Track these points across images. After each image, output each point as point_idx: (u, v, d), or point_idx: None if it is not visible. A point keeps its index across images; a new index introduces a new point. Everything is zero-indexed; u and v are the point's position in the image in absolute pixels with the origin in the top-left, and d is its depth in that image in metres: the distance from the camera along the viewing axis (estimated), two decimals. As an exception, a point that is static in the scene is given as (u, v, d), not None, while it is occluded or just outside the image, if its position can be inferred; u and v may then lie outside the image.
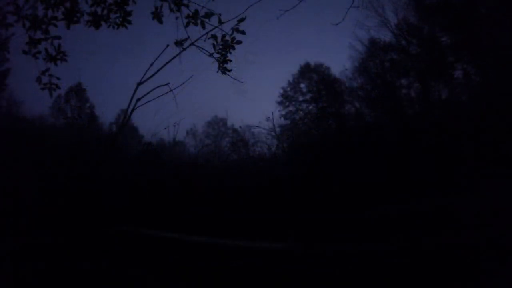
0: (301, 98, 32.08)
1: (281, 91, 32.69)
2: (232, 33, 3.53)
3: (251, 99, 58.94)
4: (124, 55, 62.89)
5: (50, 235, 10.78)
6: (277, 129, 29.58)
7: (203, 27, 3.50)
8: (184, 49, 3.68)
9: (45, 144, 24.61)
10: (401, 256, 5.70)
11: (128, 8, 3.58)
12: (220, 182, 24.13)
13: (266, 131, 29.73)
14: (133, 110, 4.02)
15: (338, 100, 30.05)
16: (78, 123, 33.39)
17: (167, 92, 3.91)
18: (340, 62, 70.51)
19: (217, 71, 3.72)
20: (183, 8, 3.49)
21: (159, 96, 3.97)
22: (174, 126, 28.20)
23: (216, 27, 3.51)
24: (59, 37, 3.43)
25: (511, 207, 10.20)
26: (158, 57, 3.89)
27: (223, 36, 3.56)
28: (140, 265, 7.29)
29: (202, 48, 3.64)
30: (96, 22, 3.54)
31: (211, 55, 3.65)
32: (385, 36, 26.99)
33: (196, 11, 3.47)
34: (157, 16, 3.56)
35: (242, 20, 3.46)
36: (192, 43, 3.64)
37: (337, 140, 26.71)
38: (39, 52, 3.43)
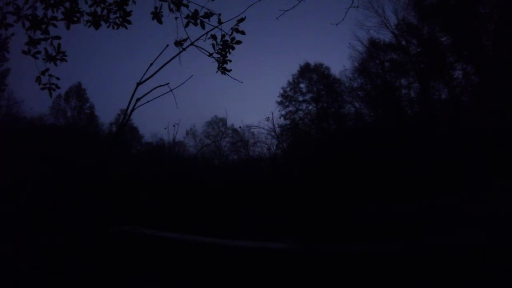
0: (301, 98, 32.16)
1: (281, 91, 32.81)
2: (231, 33, 3.53)
3: (251, 99, 59.12)
4: (124, 55, 63.06)
5: (50, 234, 10.77)
6: (277, 129, 29.67)
7: (203, 27, 3.49)
8: (184, 49, 3.68)
9: (45, 144, 24.63)
10: (401, 256, 5.70)
11: (128, 8, 3.59)
12: (219, 182, 24.14)
13: (266, 131, 29.83)
14: (133, 110, 4.01)
15: (338, 100, 30.08)
16: (78, 123, 33.52)
17: (167, 92, 3.89)
18: (340, 62, 70.68)
19: (217, 71, 3.73)
20: (183, 8, 3.50)
21: (159, 96, 3.95)
22: (174, 126, 28.36)
23: (215, 27, 3.51)
24: (59, 37, 3.43)
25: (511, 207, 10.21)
26: (158, 57, 3.87)
27: (223, 36, 3.56)
28: (139, 265, 7.29)
29: (202, 48, 3.64)
30: (96, 22, 3.55)
31: (210, 55, 3.65)
32: (385, 36, 27.10)
33: (196, 11, 3.47)
34: (157, 16, 3.56)
35: (241, 20, 3.45)
36: (192, 43, 3.64)
37: (337, 140, 26.72)
38: (39, 52, 3.43)
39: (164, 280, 6.56)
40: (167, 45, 3.78)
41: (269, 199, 19.94)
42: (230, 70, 3.70)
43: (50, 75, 3.52)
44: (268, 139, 29.80)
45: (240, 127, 33.87)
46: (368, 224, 13.51)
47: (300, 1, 3.92)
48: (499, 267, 5.21)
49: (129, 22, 3.62)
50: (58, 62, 3.51)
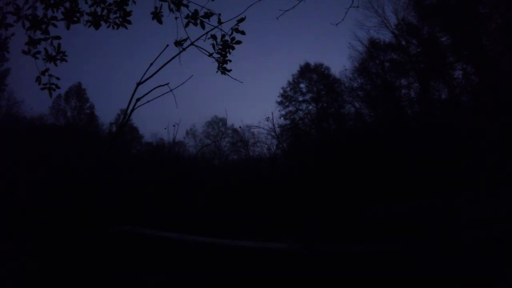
0: (301, 98, 32.12)
1: (281, 91, 32.78)
2: (231, 33, 3.53)
3: (251, 99, 59.17)
4: (124, 55, 63.12)
5: (50, 233, 10.78)
6: (277, 129, 29.67)
7: (203, 27, 3.49)
8: (184, 49, 3.68)
9: (45, 144, 24.62)
10: (401, 256, 5.70)
11: (128, 8, 3.58)
12: (219, 182, 24.13)
13: (266, 131, 29.84)
14: (133, 110, 4.00)
15: (338, 100, 30.06)
16: (78, 123, 33.50)
17: (167, 92, 3.89)
18: (340, 62, 70.68)
19: (217, 71, 3.72)
20: (183, 8, 3.49)
21: (159, 96, 3.95)
22: (174, 126, 28.42)
23: (215, 27, 3.51)
24: (59, 37, 3.43)
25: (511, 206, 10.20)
26: (158, 57, 3.87)
27: (223, 36, 3.56)
28: (140, 264, 7.29)
29: (202, 48, 3.64)
30: (95, 22, 3.55)
31: (210, 55, 3.65)
32: (385, 36, 27.08)
33: (196, 11, 3.47)
34: (157, 16, 3.56)
35: (241, 20, 3.45)
36: (192, 43, 3.64)
37: (337, 140, 26.71)
38: (39, 52, 3.43)
39: (165, 279, 6.55)
40: (167, 45, 3.78)
41: (269, 199, 19.93)
42: (230, 70, 3.70)
43: (50, 75, 3.53)
44: (268, 139, 29.83)
45: (240, 127, 33.85)
46: (368, 224, 13.51)
47: (300, 1, 3.92)
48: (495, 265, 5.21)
49: (129, 22, 3.62)
50: (58, 62, 3.51)
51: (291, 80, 32.74)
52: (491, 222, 9.18)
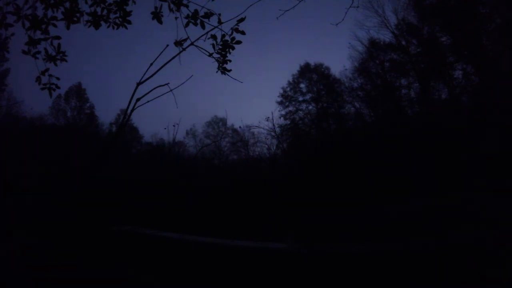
0: (301, 98, 32.13)
1: (281, 91, 32.79)
2: (231, 33, 3.53)
3: (251, 99, 59.19)
4: (124, 55, 63.13)
5: (50, 234, 10.79)
6: (277, 129, 29.67)
7: (203, 27, 3.49)
8: (184, 49, 3.68)
9: (45, 144, 24.62)
10: (401, 256, 5.69)
11: (128, 8, 3.59)
12: (219, 182, 24.13)
13: (266, 131, 29.84)
14: (133, 110, 4.01)
15: (338, 100, 30.05)
16: (78, 123, 33.51)
17: (167, 92, 3.90)
18: (340, 62, 70.64)
19: (217, 71, 3.72)
20: (183, 8, 3.50)
21: (159, 96, 3.95)
22: (174, 126, 28.42)
23: (215, 27, 3.51)
24: (58, 37, 3.43)
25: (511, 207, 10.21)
26: (158, 57, 3.87)
27: (223, 36, 3.56)
28: (140, 264, 7.30)
29: (202, 48, 3.64)
30: (95, 22, 3.55)
31: (210, 55, 3.65)
32: (385, 36, 27.11)
33: (196, 11, 3.47)
34: (157, 16, 3.56)
35: (241, 20, 3.45)
36: (192, 43, 3.64)
37: (337, 140, 26.71)
38: (39, 52, 3.43)
39: (165, 279, 6.56)
40: (167, 45, 3.79)
41: (269, 199, 19.93)
42: (230, 70, 3.70)
43: (50, 75, 3.53)
44: (268, 139, 29.82)
45: (240, 127, 33.93)
46: (368, 224, 13.50)
47: (300, 1, 3.92)
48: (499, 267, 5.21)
49: (129, 22, 3.63)
50: (58, 62, 3.51)
51: (291, 80, 32.78)
52: (491, 222, 9.18)
